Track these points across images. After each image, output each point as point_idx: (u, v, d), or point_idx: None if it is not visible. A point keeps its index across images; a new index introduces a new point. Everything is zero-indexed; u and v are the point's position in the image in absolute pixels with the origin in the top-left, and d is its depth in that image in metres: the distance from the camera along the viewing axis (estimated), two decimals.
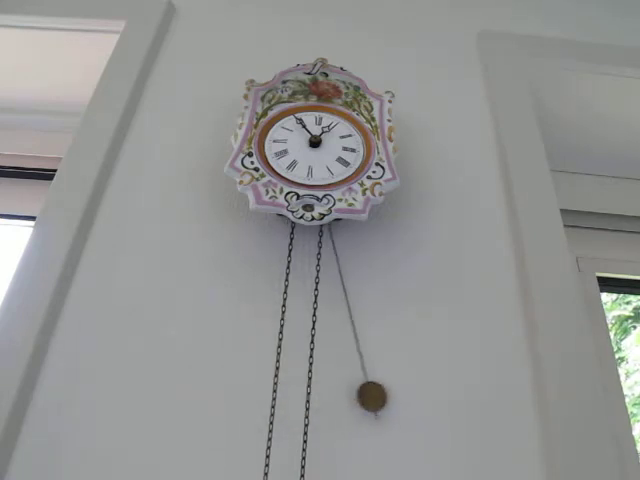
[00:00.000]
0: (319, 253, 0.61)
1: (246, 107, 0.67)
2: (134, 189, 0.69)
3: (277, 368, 0.53)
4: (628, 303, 1.04)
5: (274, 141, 0.65)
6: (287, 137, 0.65)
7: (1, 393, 0.52)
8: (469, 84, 0.84)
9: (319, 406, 0.54)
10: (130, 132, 0.74)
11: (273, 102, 0.68)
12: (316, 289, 0.58)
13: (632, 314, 1.03)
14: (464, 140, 0.77)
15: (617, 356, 0.83)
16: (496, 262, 0.66)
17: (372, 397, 0.55)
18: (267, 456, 0.49)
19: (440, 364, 0.58)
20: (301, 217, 0.57)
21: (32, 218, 0.90)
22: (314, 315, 0.56)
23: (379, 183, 0.60)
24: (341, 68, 0.71)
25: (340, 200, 0.58)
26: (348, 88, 0.71)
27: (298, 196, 0.58)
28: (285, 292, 0.58)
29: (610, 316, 1.01)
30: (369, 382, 0.55)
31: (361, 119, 0.68)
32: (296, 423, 0.53)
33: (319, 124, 0.67)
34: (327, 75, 0.71)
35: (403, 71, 0.84)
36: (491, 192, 0.72)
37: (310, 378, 0.53)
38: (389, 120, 0.68)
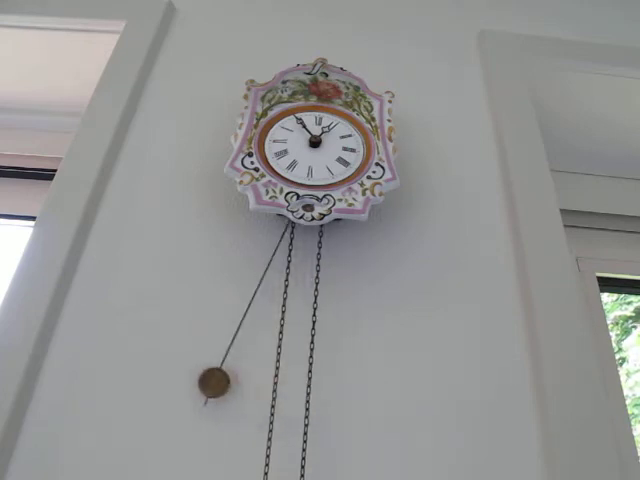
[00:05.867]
0: (319, 253, 0.61)
1: (246, 107, 0.67)
2: (134, 189, 0.69)
3: (277, 368, 0.53)
4: (629, 304, 1.04)
5: (274, 141, 0.65)
6: (287, 137, 0.65)
7: (1, 393, 0.52)
8: (469, 84, 0.84)
9: (319, 406, 0.54)
10: (130, 132, 0.74)
11: (273, 102, 0.68)
12: (316, 289, 0.58)
13: (633, 314, 1.03)
14: (464, 140, 0.77)
15: (618, 356, 0.83)
16: (496, 262, 0.66)
17: (213, 383, 0.54)
18: (267, 456, 0.49)
19: (440, 363, 0.58)
20: (301, 217, 0.57)
21: (32, 218, 0.90)
22: (314, 315, 0.56)
23: (379, 183, 0.60)
24: (341, 68, 0.71)
25: (340, 200, 0.58)
26: (348, 88, 0.71)
27: (298, 196, 0.58)
28: (285, 292, 0.58)
29: (611, 317, 1.01)
30: (214, 368, 0.55)
31: (361, 119, 0.68)
32: (296, 423, 0.53)
33: (319, 124, 0.67)
34: (327, 75, 0.71)
35: (403, 71, 0.84)
36: (491, 192, 0.72)
37: (310, 378, 0.53)
38: (389, 120, 0.68)
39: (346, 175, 0.62)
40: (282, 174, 0.61)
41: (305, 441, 0.50)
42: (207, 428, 0.53)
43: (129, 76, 0.77)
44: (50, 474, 0.51)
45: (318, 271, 0.60)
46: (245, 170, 0.60)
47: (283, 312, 0.56)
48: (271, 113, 0.67)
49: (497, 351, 0.60)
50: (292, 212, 0.57)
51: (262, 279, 0.59)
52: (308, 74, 0.71)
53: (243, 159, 0.61)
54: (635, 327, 1.02)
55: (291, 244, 0.61)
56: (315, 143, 0.64)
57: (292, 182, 0.60)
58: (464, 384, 0.57)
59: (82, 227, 0.64)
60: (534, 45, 0.88)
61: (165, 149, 0.73)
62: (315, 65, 0.71)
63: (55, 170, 0.69)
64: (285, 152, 0.63)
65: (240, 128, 0.65)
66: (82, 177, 0.67)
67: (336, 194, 0.59)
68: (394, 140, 0.66)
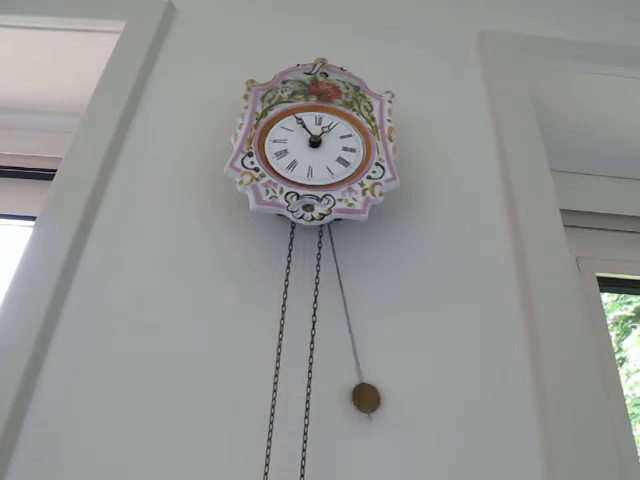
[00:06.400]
0: (319, 253, 0.61)
1: (246, 107, 0.67)
2: (134, 189, 0.69)
3: (277, 368, 0.53)
4: (629, 304, 1.04)
5: (274, 141, 0.65)
6: (287, 137, 0.65)
7: (1, 393, 0.52)
8: (469, 84, 0.84)
9: (319, 406, 0.54)
10: (130, 132, 0.74)
11: (273, 102, 0.68)
12: (316, 289, 0.58)
13: (633, 314, 1.03)
14: (464, 140, 0.77)
15: (618, 357, 0.83)
16: (496, 262, 0.66)
17: (366, 398, 0.55)
18: (267, 456, 0.49)
19: (439, 364, 0.58)
20: (301, 217, 0.57)
21: (32, 218, 0.90)
22: (314, 315, 0.56)
23: (379, 183, 0.60)
24: (341, 68, 0.71)
25: (340, 200, 0.58)
26: (348, 88, 0.71)
27: (298, 196, 0.58)
28: (285, 292, 0.58)
29: (611, 317, 1.01)
30: (363, 383, 0.55)
31: (361, 119, 0.68)
32: (296, 423, 0.53)
33: (319, 124, 0.67)
34: (327, 75, 0.71)
35: (403, 71, 0.84)
36: (491, 192, 0.72)
37: (310, 378, 0.53)
38: (389, 120, 0.68)
39: (346, 175, 0.62)
40: (282, 174, 0.61)
41: (305, 441, 0.50)
42: (207, 428, 0.53)
43: (129, 76, 0.77)
44: (50, 474, 0.51)
45: (318, 271, 0.60)
46: (245, 170, 0.60)
47: (283, 312, 0.56)
48: (271, 113, 0.67)
49: (497, 351, 0.60)
50: (292, 212, 0.57)
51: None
52: (308, 74, 0.71)
53: (243, 159, 0.61)
54: (635, 327, 1.02)
55: (291, 244, 0.61)
56: (315, 143, 0.64)
57: (292, 182, 0.60)
58: (464, 384, 0.57)
59: (82, 227, 0.64)
60: (534, 45, 0.88)
61: (165, 149, 0.73)
62: (315, 65, 0.71)
63: (55, 170, 0.69)
64: (285, 152, 0.63)
65: (240, 128, 0.65)
66: (82, 177, 0.67)
67: (336, 194, 0.59)
68: (394, 140, 0.66)
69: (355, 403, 0.54)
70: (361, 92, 0.71)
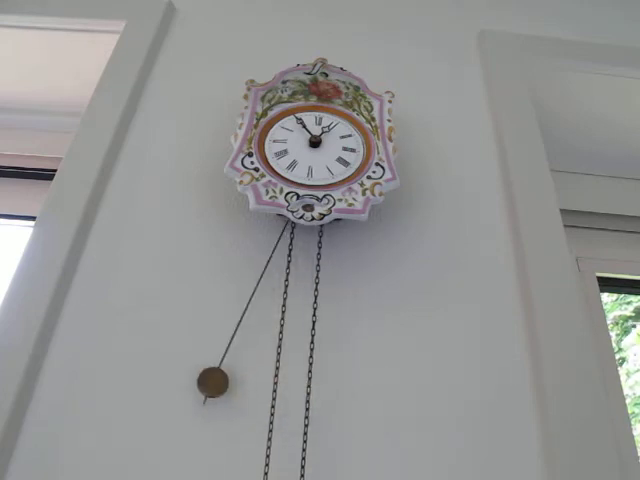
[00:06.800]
0: (319, 253, 0.61)
1: (246, 107, 0.67)
2: (134, 189, 0.69)
3: (277, 368, 0.53)
4: (629, 303, 1.04)
5: (274, 141, 0.65)
6: (287, 137, 0.65)
7: (1, 393, 0.52)
8: (469, 84, 0.84)
9: (319, 406, 0.54)
10: (130, 132, 0.74)
11: (273, 102, 0.68)
12: (316, 289, 0.58)
13: (632, 314, 1.03)
14: (464, 140, 0.77)
15: (618, 356, 0.83)
16: (496, 262, 0.66)
17: (212, 383, 0.54)
18: (267, 456, 0.49)
19: (439, 364, 0.58)
20: (301, 217, 0.57)
21: (32, 218, 0.90)
22: (314, 315, 0.56)
23: (379, 183, 0.60)
24: (341, 68, 0.71)
25: (340, 200, 0.58)
26: (348, 88, 0.71)
27: (298, 196, 0.58)
28: (285, 292, 0.58)
29: (611, 317, 1.01)
30: (213, 368, 0.55)
31: (361, 119, 0.68)
32: (296, 423, 0.53)
33: (319, 124, 0.67)
34: (327, 75, 0.71)
35: (403, 71, 0.84)
36: (491, 192, 0.72)
37: (310, 378, 0.53)
38: (389, 120, 0.68)
39: (346, 175, 0.62)
40: (282, 174, 0.61)
41: (305, 441, 0.50)
42: (207, 428, 0.53)
43: (129, 76, 0.77)
44: (50, 474, 0.51)
45: (318, 271, 0.60)
46: (245, 170, 0.60)
47: (283, 312, 0.56)
48: (271, 113, 0.67)
49: (497, 351, 0.60)
50: (292, 212, 0.57)
51: (261, 278, 0.59)
52: (308, 74, 0.71)
53: (243, 159, 0.61)
54: (635, 327, 1.02)
55: (291, 244, 0.61)
56: (315, 143, 0.64)
57: (292, 182, 0.60)
58: (464, 384, 0.57)
59: (82, 227, 0.64)
60: (534, 45, 0.88)
61: (165, 149, 0.73)
62: (315, 65, 0.71)
63: (55, 170, 0.69)
64: (285, 152, 0.63)
65: (240, 128, 0.65)
66: (82, 177, 0.67)
67: (336, 194, 0.59)
68: (394, 140, 0.66)
69: (201, 386, 0.54)
70: (361, 92, 0.71)
